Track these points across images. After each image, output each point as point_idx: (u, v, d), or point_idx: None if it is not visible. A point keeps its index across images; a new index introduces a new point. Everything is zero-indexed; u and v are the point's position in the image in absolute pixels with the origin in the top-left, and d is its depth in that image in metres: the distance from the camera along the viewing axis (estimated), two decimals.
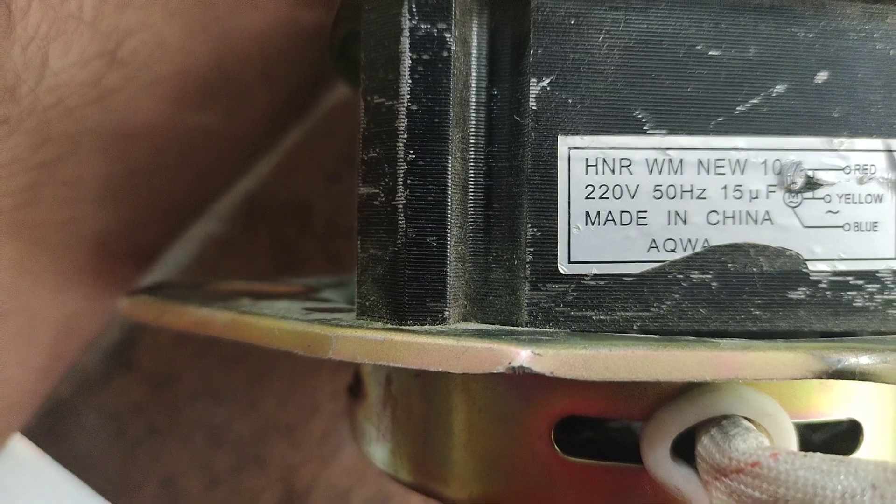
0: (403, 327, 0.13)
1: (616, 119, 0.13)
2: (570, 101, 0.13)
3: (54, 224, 0.21)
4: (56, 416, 0.27)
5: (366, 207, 0.14)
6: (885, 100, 0.14)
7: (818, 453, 0.11)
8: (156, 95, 0.21)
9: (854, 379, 0.12)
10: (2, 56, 0.19)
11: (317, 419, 0.29)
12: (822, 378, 0.12)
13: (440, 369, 0.12)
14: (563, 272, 0.13)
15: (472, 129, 0.13)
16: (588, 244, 0.13)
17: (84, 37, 0.20)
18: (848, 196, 0.14)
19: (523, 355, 0.11)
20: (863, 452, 0.14)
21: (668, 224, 0.13)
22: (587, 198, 0.13)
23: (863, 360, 0.12)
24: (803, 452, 0.11)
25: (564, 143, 0.13)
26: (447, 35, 0.13)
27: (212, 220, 0.28)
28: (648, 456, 0.13)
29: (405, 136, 0.13)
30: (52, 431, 0.27)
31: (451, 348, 0.12)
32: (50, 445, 0.26)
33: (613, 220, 0.13)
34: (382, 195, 0.13)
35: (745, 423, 0.12)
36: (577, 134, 0.13)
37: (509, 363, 0.11)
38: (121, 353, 0.28)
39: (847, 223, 0.14)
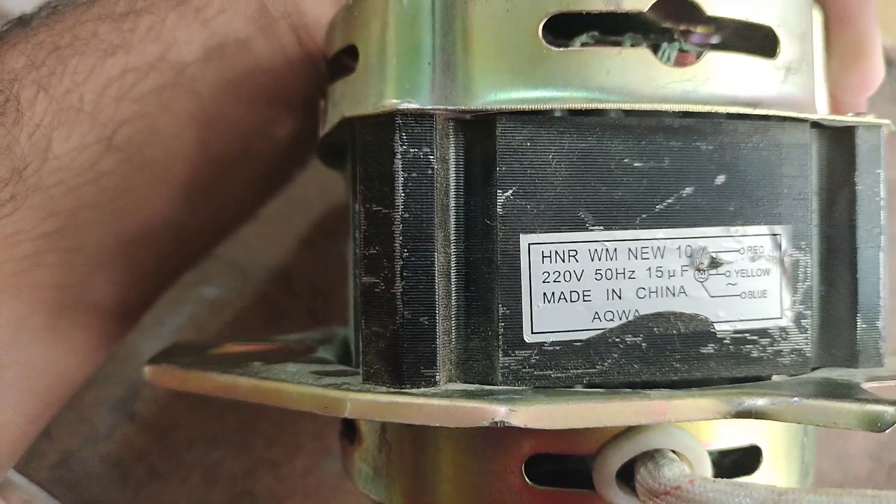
0: (403, 390, 0.16)
1: (564, 219, 0.17)
2: (528, 206, 0.17)
3: (54, 286, 0.24)
4: (66, 467, 0.30)
5: (368, 294, 0.17)
6: (769, 195, 0.18)
7: (723, 479, 0.15)
8: (146, 176, 0.24)
9: (752, 417, 0.16)
10: (11, 142, 0.22)
11: (300, 457, 0.32)
12: (728, 418, 0.15)
13: (437, 424, 0.15)
14: (527, 341, 0.17)
15: (453, 230, 0.17)
16: (546, 318, 0.17)
17: (84, 125, 0.23)
18: (743, 271, 0.18)
19: (502, 412, 0.15)
20: (762, 470, 0.18)
21: (607, 299, 0.17)
22: (544, 282, 0.17)
23: (759, 403, 0.15)
24: (713, 478, 0.15)
25: (525, 239, 0.17)
26: (431, 157, 0.16)
27: (205, 285, 0.32)
28: (599, 483, 0.17)
29: (400, 238, 0.16)
30: (61, 481, 0.29)
31: (446, 408, 0.15)
32: (61, 494, 0.29)
33: (565, 298, 0.17)
34: (382, 284, 0.17)
35: (671, 454, 0.16)
36: (534, 232, 0.17)
37: (492, 419, 0.15)
38: (124, 406, 0.31)
39: (743, 292, 0.18)
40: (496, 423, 0.15)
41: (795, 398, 0.16)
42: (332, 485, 0.32)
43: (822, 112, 0.20)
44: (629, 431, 0.17)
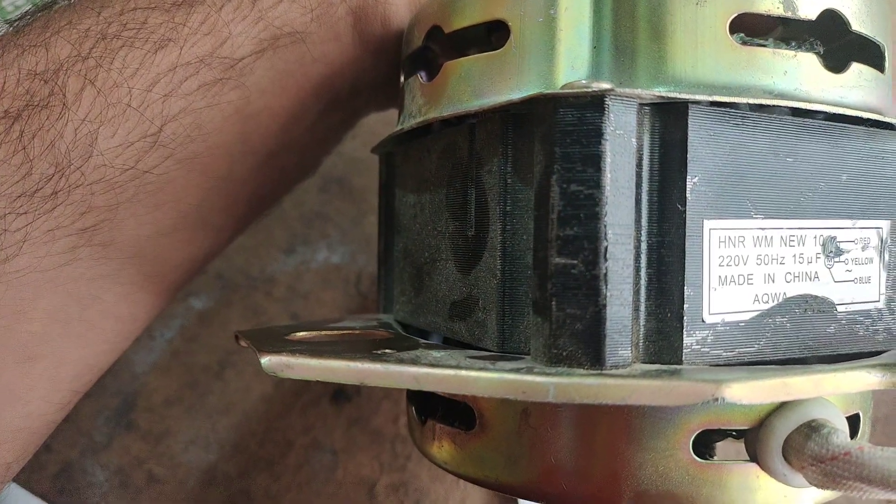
0: (605, 372, 0.16)
1: (736, 207, 0.18)
2: (709, 193, 0.17)
3: (87, 279, 0.23)
4: (66, 477, 0.28)
5: (563, 275, 0.17)
6: (878, 193, 0.20)
7: (889, 447, 0.17)
8: (188, 169, 0.23)
9: (891, 387, 0.18)
10: (55, 136, 0.21)
11: (291, 453, 0.32)
12: (879, 388, 0.17)
13: (654, 404, 0.16)
14: (706, 321, 0.18)
15: (644, 213, 0.17)
16: (720, 300, 0.18)
17: (130, 122, 0.22)
18: (857, 259, 0.20)
19: (720, 390, 0.16)
20: (861, 435, 0.20)
21: (764, 283, 0.18)
22: (720, 265, 0.18)
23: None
24: (879, 446, 0.17)
25: (708, 225, 0.17)
26: (634, 140, 0.17)
27: (192, 297, 0.32)
28: (763, 453, 0.18)
29: (606, 219, 0.16)
30: (63, 491, 0.27)
31: (663, 387, 0.16)
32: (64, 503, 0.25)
33: (734, 281, 0.18)
34: (581, 266, 0.16)
35: (830, 424, 0.18)
36: (714, 218, 0.18)
37: (713, 395, 0.15)
38: (120, 416, 0.30)
39: (856, 278, 0.20)
40: (716, 399, 0.15)
41: None
42: (322, 477, 0.32)
43: None
44: (791, 404, 0.18)
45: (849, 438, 0.17)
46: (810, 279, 0.19)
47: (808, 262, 0.19)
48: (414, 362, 0.17)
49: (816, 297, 0.19)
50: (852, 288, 0.20)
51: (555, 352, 0.17)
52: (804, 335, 0.19)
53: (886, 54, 0.20)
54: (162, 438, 0.30)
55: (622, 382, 0.16)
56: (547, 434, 0.19)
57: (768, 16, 0.18)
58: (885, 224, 0.20)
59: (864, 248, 0.20)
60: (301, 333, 0.22)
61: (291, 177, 0.28)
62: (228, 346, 0.32)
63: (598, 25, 0.18)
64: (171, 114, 0.22)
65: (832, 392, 0.17)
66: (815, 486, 0.17)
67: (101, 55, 0.21)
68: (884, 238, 0.20)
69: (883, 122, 0.19)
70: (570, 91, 0.16)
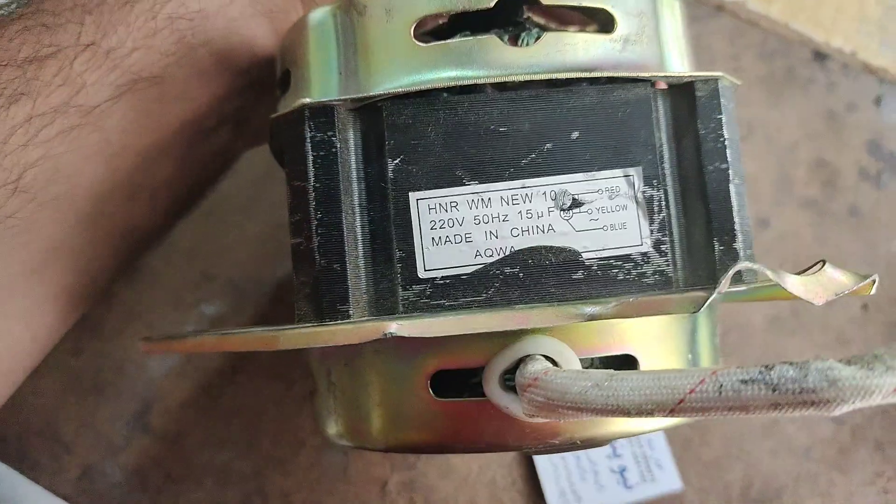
0: (323, 323, 0.20)
1: (445, 178, 0.21)
2: (413, 169, 0.21)
3: None
4: (88, 479, 0.34)
5: (295, 252, 0.21)
6: (620, 144, 0.21)
7: (573, 369, 0.18)
8: (52, 209, 0.25)
9: (600, 319, 0.19)
10: None
11: (303, 452, 0.35)
12: (579, 321, 0.19)
13: (344, 343, 0.19)
14: (421, 277, 0.21)
15: (357, 195, 0.21)
16: (435, 257, 0.21)
17: None
18: (603, 208, 0.21)
19: (392, 326, 0.19)
20: None
21: (486, 239, 0.21)
22: (431, 229, 0.21)
23: (606, 309, 0.19)
24: (564, 369, 0.18)
25: (413, 196, 0.21)
26: (334, 139, 0.21)
27: (204, 304, 0.36)
28: (488, 389, 0.20)
29: (313, 203, 0.21)
30: (86, 493, 0.33)
31: (350, 329, 0.19)
32: None
33: (450, 240, 0.21)
34: (304, 242, 0.21)
35: (539, 357, 0.19)
36: (420, 189, 0.21)
37: (384, 332, 0.19)
38: (138, 419, 0.35)
39: (605, 225, 0.21)
40: (386, 335, 0.19)
41: (632, 297, 0.19)
42: (333, 475, 0.35)
43: (673, 71, 0.23)
44: (510, 344, 0.20)
45: (549, 366, 0.19)
46: (543, 231, 0.21)
47: (539, 217, 0.21)
48: (217, 333, 0.23)
49: (553, 247, 0.21)
50: (602, 235, 0.21)
51: (298, 313, 0.21)
52: (543, 283, 0.21)
53: (616, 16, 0.21)
54: (178, 439, 0.34)
55: (324, 329, 0.20)
56: (342, 388, 0.23)
57: (453, 13, 0.21)
58: (635, 171, 0.21)
59: (612, 197, 0.21)
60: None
61: (168, 209, 0.29)
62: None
63: (339, 56, 0.23)
64: (29, 161, 0.23)
65: (515, 325, 0.19)
66: (528, 416, 0.19)
67: None
68: (636, 185, 0.21)
69: (604, 78, 0.21)
70: (284, 111, 0.21)
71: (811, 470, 0.36)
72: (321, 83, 0.23)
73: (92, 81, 0.24)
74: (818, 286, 0.18)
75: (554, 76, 0.20)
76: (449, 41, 0.21)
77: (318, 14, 0.23)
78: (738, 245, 0.21)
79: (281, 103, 0.25)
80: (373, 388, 0.22)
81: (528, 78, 0.20)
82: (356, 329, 0.19)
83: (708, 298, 0.17)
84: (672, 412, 0.16)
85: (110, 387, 0.35)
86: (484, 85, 0.21)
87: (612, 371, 0.18)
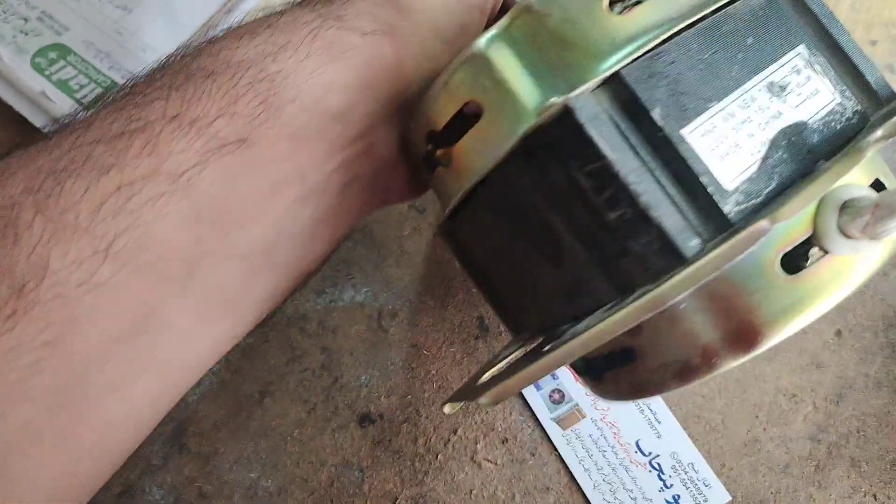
0: (690, 260, 0.22)
1: (695, 108, 0.24)
2: (671, 113, 0.24)
3: (54, 389, 0.24)
4: (128, 496, 0.37)
5: (623, 224, 0.23)
6: (781, 34, 0.26)
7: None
8: (143, 275, 0.25)
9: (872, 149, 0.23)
10: (11, 263, 0.23)
11: (324, 470, 0.39)
12: (865, 156, 0.23)
13: (741, 257, 0.21)
14: (730, 189, 0.23)
15: (640, 148, 0.23)
16: (730, 169, 0.23)
17: (81, 241, 0.24)
18: (799, 83, 0.26)
19: (764, 223, 0.21)
20: None
21: (749, 140, 0.24)
22: (712, 150, 0.24)
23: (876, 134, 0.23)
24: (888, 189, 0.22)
25: (685, 131, 0.23)
26: (602, 115, 0.23)
27: None
28: (823, 238, 0.23)
29: (622, 172, 0.23)
30: None
31: (732, 246, 0.21)
32: None
33: (730, 152, 0.24)
34: (628, 210, 0.23)
35: (856, 195, 0.23)
36: (685, 125, 0.24)
37: (766, 229, 0.21)
38: (174, 440, 0.38)
39: (808, 95, 0.25)
40: (768, 229, 0.21)
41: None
42: (351, 492, 0.39)
43: None
44: (825, 201, 0.23)
45: (878, 193, 0.23)
46: (776, 117, 0.25)
47: (768, 108, 0.25)
48: (573, 335, 0.23)
49: (789, 125, 0.25)
50: (811, 103, 0.25)
51: (649, 273, 0.23)
52: (801, 153, 0.25)
53: None
54: (210, 459, 0.37)
55: (707, 258, 0.21)
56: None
57: None
58: (800, 48, 0.26)
59: (798, 73, 0.26)
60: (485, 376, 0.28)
61: (266, 277, 0.28)
62: (267, 377, 0.39)
63: (533, 62, 0.25)
64: (119, 229, 0.24)
65: (839, 178, 0.22)
66: (874, 238, 0.23)
67: (51, 187, 0.23)
68: (807, 57, 0.26)
69: None
70: (539, 123, 0.23)
71: (790, 485, 0.39)
72: (529, 91, 0.25)
73: (178, 150, 0.25)
74: None
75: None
76: (639, 5, 0.25)
77: (484, 42, 0.25)
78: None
79: (470, 140, 0.26)
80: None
81: (712, 9, 0.25)
82: (737, 240, 0.21)
83: None
84: None
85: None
86: (680, 29, 0.25)
87: None
